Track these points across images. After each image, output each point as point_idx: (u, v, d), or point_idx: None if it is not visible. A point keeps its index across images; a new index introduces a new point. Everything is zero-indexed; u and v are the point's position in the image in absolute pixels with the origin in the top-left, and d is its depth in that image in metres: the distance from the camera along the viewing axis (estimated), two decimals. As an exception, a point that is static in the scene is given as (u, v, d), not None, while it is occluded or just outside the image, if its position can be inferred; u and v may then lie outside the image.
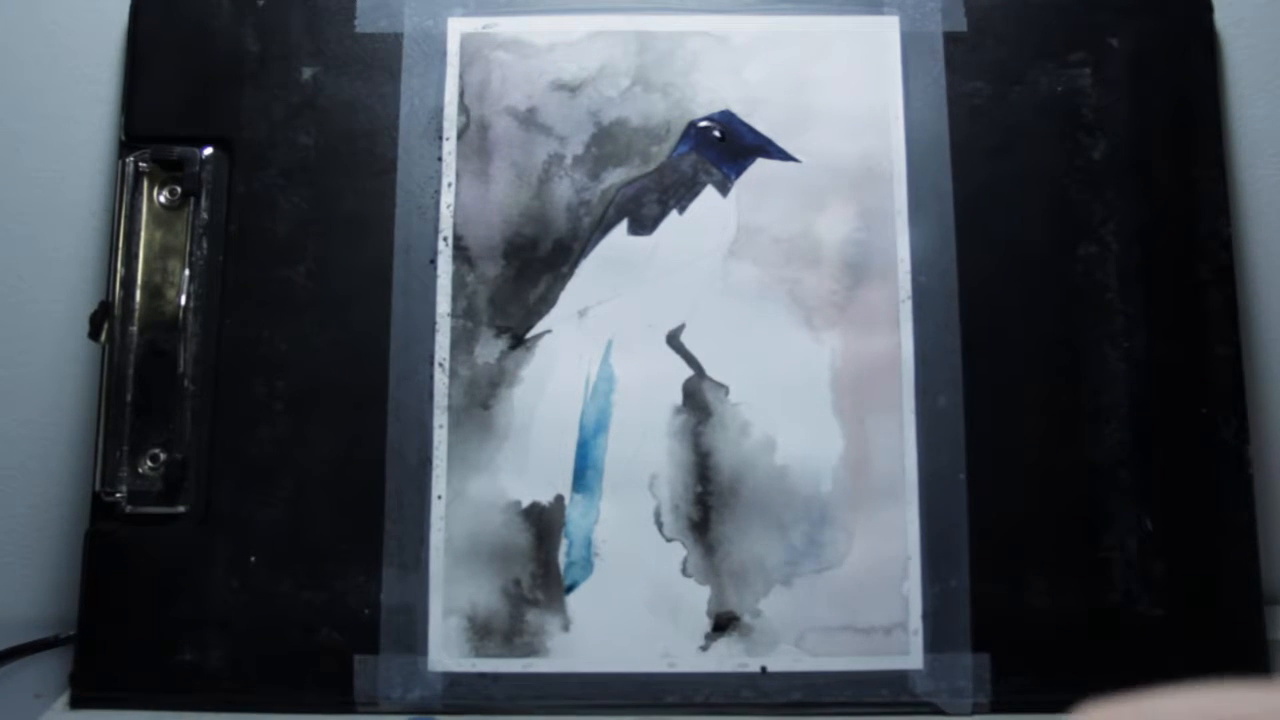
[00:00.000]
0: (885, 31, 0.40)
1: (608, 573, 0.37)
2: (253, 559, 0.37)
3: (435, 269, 0.39)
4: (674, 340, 0.38)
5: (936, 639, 0.37)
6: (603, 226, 0.39)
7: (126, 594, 0.37)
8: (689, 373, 0.38)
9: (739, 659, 0.37)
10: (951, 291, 0.38)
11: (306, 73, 0.40)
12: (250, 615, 0.37)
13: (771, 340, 0.38)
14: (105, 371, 0.39)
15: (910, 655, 0.37)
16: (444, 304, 0.38)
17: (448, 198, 0.39)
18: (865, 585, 0.37)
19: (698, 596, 0.37)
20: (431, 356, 0.38)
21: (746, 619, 0.37)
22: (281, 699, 0.37)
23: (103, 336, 0.39)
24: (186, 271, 0.39)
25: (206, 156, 0.39)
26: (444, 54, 0.40)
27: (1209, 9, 0.40)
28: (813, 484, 0.37)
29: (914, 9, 0.40)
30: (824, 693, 0.36)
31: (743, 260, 0.38)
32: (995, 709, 0.36)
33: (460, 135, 0.39)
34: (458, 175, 0.39)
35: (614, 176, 0.39)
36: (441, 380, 0.38)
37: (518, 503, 0.38)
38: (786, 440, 0.38)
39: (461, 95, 0.40)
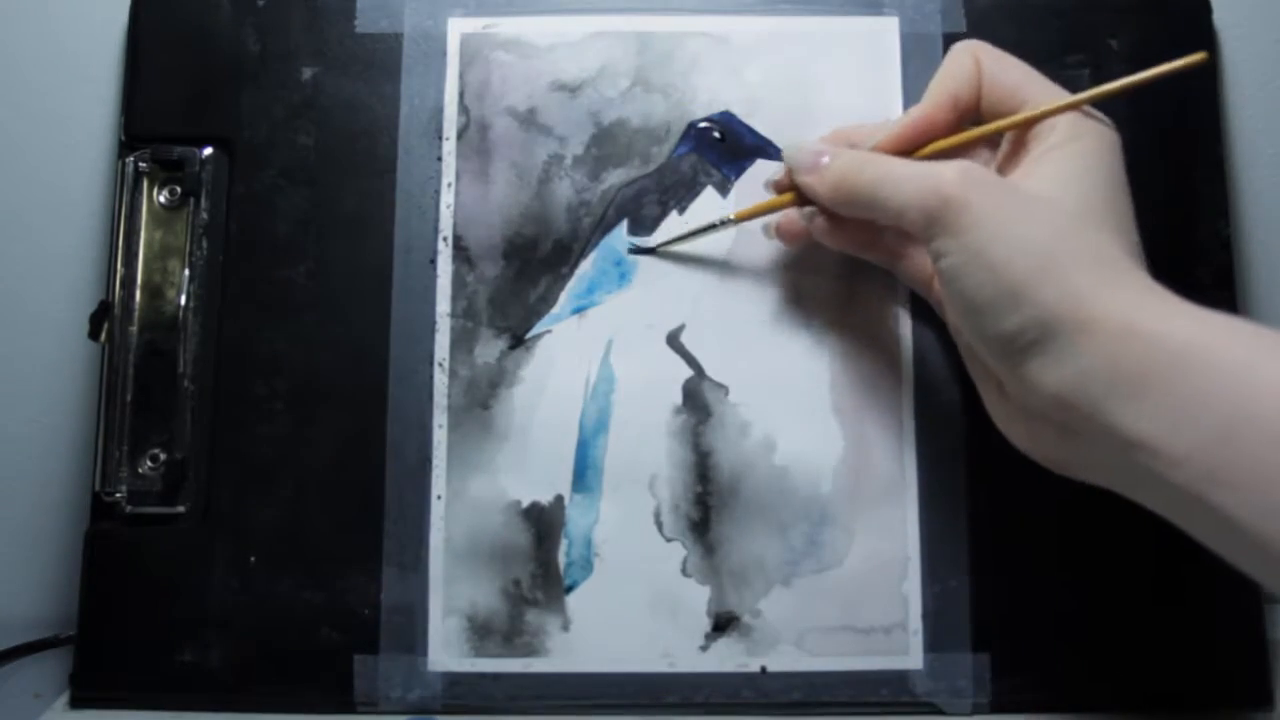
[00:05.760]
0: (885, 32, 0.40)
1: (608, 573, 0.37)
2: (253, 559, 0.37)
3: (435, 269, 0.39)
4: (674, 340, 0.38)
5: (936, 639, 0.37)
6: (603, 227, 0.39)
7: (126, 594, 0.37)
8: (689, 373, 0.38)
9: (739, 659, 0.37)
10: (951, 292, 0.38)
11: (306, 73, 0.40)
12: (250, 615, 0.37)
13: (771, 340, 0.38)
14: (105, 371, 0.39)
15: (910, 655, 0.37)
16: (444, 304, 0.38)
17: (448, 198, 0.39)
18: (865, 585, 0.37)
19: (698, 596, 0.37)
20: (431, 356, 0.38)
21: (746, 619, 0.37)
22: (281, 699, 0.37)
23: (103, 336, 0.39)
24: (186, 271, 0.39)
25: (206, 156, 0.40)
26: (444, 54, 0.40)
27: (1209, 9, 0.40)
28: (813, 484, 0.37)
29: (914, 10, 0.40)
30: (824, 693, 0.36)
31: (743, 260, 0.38)
32: (995, 709, 0.36)
33: (460, 135, 0.39)
34: (458, 175, 0.39)
35: (614, 177, 0.39)
36: (441, 380, 0.38)
37: (518, 503, 0.38)
38: (786, 440, 0.38)
39: (461, 95, 0.40)
